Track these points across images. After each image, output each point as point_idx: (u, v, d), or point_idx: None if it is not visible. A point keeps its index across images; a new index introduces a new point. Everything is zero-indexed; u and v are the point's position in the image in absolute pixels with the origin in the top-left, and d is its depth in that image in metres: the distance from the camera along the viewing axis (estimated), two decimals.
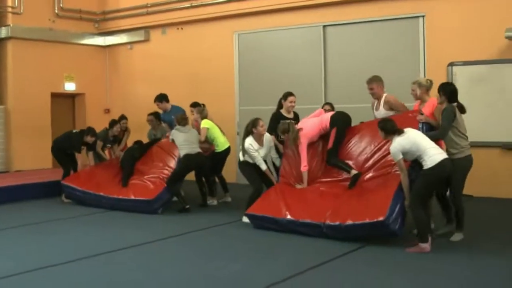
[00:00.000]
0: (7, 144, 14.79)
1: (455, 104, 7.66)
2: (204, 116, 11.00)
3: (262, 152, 9.39)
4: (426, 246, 7.13)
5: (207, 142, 10.83)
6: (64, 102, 16.43)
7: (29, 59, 15.17)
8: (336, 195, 8.32)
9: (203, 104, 11.52)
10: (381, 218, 7.28)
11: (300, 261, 6.88)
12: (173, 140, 10.63)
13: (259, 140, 9.41)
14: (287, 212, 8.27)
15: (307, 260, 6.87)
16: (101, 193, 10.85)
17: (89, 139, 11.66)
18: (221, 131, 11.09)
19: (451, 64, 11.38)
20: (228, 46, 14.44)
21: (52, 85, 15.72)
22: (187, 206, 10.33)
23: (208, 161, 10.78)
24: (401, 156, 7.29)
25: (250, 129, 9.41)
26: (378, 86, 8.70)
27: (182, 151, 10.39)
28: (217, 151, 10.89)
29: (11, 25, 14.80)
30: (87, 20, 16.56)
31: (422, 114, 8.06)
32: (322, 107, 10.18)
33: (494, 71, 11.15)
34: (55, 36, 15.70)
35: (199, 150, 10.49)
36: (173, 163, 10.84)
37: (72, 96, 16.65)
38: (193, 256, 7.25)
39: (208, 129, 10.76)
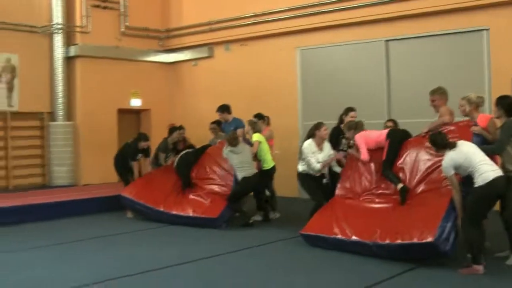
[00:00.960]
0: (75, 159, 15.23)
1: None
2: (257, 130, 10.97)
3: (320, 156, 9.38)
4: (479, 268, 6.85)
5: (255, 158, 10.80)
6: (130, 117, 16.82)
7: (96, 76, 15.61)
8: (386, 211, 8.24)
9: (267, 117, 11.59)
10: (430, 239, 7.11)
11: (348, 283, 6.82)
12: (226, 158, 10.71)
13: (319, 144, 9.44)
14: (337, 231, 8.25)
15: (356, 282, 6.81)
16: (161, 209, 10.98)
17: (143, 144, 11.80)
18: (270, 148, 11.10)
19: None
20: (291, 62, 14.52)
21: (119, 101, 16.12)
22: (251, 221, 10.44)
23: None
24: (453, 172, 7.03)
25: (313, 132, 9.47)
26: (440, 98, 8.57)
27: (240, 174, 10.42)
28: (264, 168, 10.84)
29: (79, 44, 15.28)
30: (152, 38, 16.94)
31: (476, 125, 7.79)
32: (385, 124, 10.14)
33: None
34: (121, 54, 16.13)
35: (255, 170, 10.54)
36: (228, 179, 10.90)
37: (137, 112, 17.01)
38: (237, 274, 7.28)
39: (260, 143, 10.77)
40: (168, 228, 10.52)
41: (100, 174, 15.03)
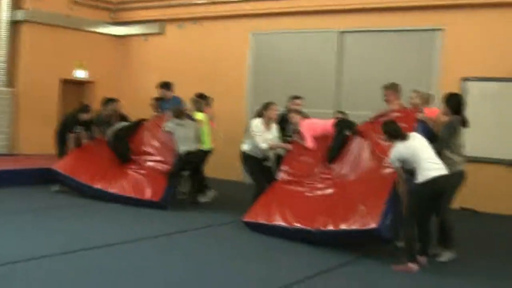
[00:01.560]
0: (14, 127, 14.72)
1: (459, 117, 7.41)
2: (199, 109, 10.73)
3: (267, 137, 9.27)
4: (414, 266, 6.80)
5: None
6: (74, 89, 16.31)
7: (42, 43, 15.12)
8: (329, 196, 8.16)
9: (210, 98, 11.38)
10: (373, 226, 7.09)
11: (288, 273, 6.61)
12: (169, 132, 10.43)
13: (267, 124, 9.34)
14: (280, 218, 8.17)
15: (295, 273, 6.61)
16: (99, 187, 10.56)
17: (84, 116, 11.26)
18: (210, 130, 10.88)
19: (465, 79, 11.31)
20: (243, 45, 14.38)
21: (63, 71, 15.67)
22: (180, 197, 10.35)
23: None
24: (398, 164, 6.99)
25: (261, 111, 9.38)
26: (393, 93, 8.58)
27: (183, 147, 10.17)
28: (202, 149, 10.55)
29: (28, 8, 14.74)
30: (103, 9, 16.53)
31: (422, 111, 7.90)
32: (335, 115, 10.11)
33: (507, 88, 11.10)
34: (70, 23, 15.64)
35: (197, 146, 10.33)
36: (168, 154, 10.60)
37: (82, 84, 16.58)
38: (179, 259, 7.02)
39: (202, 122, 10.53)
40: (105, 206, 10.09)
41: (39, 144, 14.53)
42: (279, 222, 8.14)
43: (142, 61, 16.47)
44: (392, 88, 8.64)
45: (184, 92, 11.78)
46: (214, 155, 10.97)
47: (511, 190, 11.02)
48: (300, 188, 8.63)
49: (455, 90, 10.44)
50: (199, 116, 10.57)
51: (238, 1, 14.25)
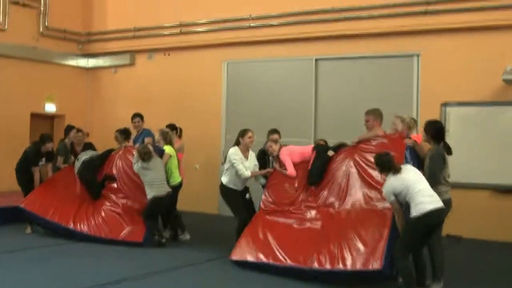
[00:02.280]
0: None
1: (442, 145, 7.28)
2: (168, 142, 10.37)
3: (246, 165, 9.08)
4: None
5: None
6: (44, 123, 15.93)
7: (10, 77, 14.73)
8: (320, 229, 7.84)
9: (180, 129, 11.17)
10: (376, 267, 6.84)
11: None
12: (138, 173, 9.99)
13: (244, 152, 9.17)
14: (270, 256, 7.83)
15: None
16: (71, 227, 9.99)
17: (47, 146, 10.75)
18: (178, 163, 10.53)
19: (445, 105, 11.24)
20: (216, 75, 14.17)
21: (33, 105, 15.30)
22: (163, 240, 9.83)
23: None
24: (393, 198, 6.73)
25: (237, 139, 9.22)
26: (374, 119, 8.43)
27: (151, 192, 9.75)
28: (170, 184, 10.14)
29: None
30: (72, 41, 16.27)
31: (409, 137, 7.76)
32: (317, 142, 9.93)
33: (487, 113, 11.08)
34: (38, 55, 15.32)
35: (168, 189, 9.92)
36: (139, 192, 10.13)
37: (51, 118, 16.21)
38: None
39: (170, 156, 10.20)
40: (81, 245, 9.62)
41: (9, 180, 13.92)
42: (270, 260, 7.79)
43: (112, 93, 16.17)
44: (372, 114, 8.49)
45: (157, 123, 11.53)
46: (188, 188, 10.64)
47: (495, 215, 10.91)
48: (286, 220, 8.34)
49: (435, 115, 10.46)
50: (168, 149, 10.24)
51: (211, 31, 14.09)
